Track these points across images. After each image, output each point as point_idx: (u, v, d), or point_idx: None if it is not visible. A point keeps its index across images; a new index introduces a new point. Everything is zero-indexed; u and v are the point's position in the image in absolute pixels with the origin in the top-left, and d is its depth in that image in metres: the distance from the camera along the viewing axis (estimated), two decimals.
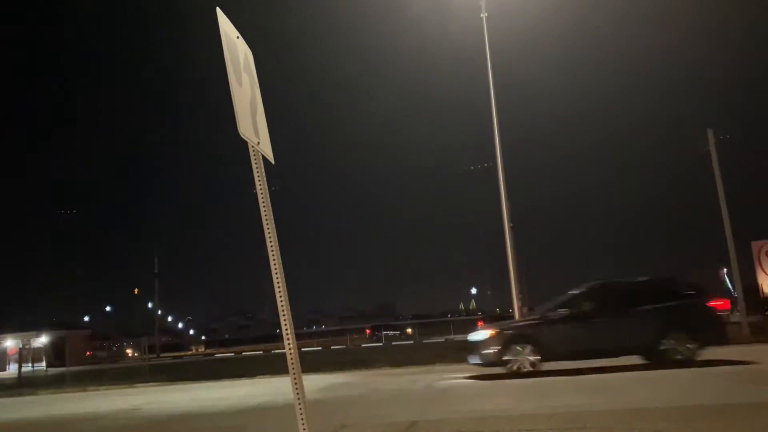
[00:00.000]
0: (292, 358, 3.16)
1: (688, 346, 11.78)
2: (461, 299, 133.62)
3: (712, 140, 23.36)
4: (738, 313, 22.77)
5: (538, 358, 11.93)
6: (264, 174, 3.30)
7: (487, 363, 12.21)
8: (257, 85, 3.47)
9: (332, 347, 47.08)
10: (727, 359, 12.19)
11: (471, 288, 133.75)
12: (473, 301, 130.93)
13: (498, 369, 12.14)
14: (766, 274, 30.73)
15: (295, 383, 3.17)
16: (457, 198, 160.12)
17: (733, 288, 25.53)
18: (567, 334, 12.00)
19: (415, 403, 9.18)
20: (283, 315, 3.16)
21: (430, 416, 7.56)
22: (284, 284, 3.17)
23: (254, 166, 3.28)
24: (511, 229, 18.67)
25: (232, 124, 3.06)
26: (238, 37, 3.34)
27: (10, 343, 48.22)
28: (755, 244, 31.19)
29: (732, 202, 22.98)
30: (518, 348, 11.98)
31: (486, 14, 18.91)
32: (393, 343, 46.17)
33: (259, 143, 3.31)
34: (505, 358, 12.02)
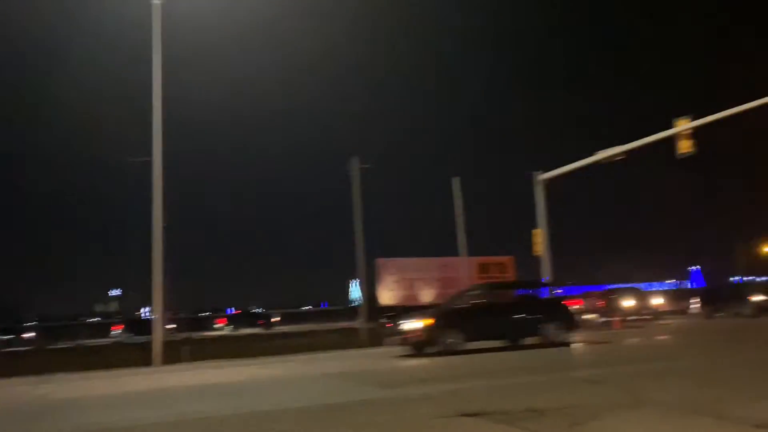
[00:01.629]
0: None
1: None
2: (99, 301, 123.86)
3: (356, 167, 26.41)
4: (360, 320, 26.05)
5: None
6: None
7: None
8: None
9: None
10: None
11: (112, 289, 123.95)
12: (117, 302, 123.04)
13: None
14: (384, 287, 35.96)
15: None
16: (117, 194, 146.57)
17: (363, 297, 29.06)
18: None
19: None
20: None
21: None
22: None
23: None
24: (165, 228, 17.94)
25: None
26: None
27: None
28: (379, 261, 36.26)
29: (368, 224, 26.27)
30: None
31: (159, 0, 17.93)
32: None
33: None
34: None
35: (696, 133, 21.44)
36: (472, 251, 38.52)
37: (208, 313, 61.39)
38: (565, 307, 18.18)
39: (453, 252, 26.41)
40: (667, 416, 6.16)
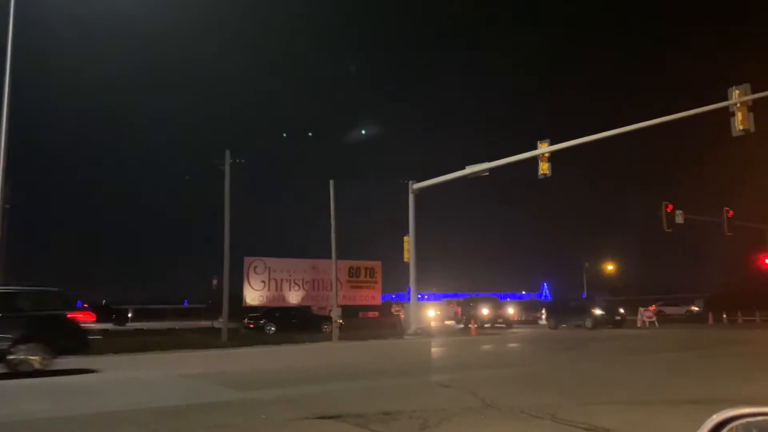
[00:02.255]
0: None
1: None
2: None
3: (228, 161, 25.57)
4: (221, 319, 25.21)
5: None
6: None
7: None
8: None
9: None
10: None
11: None
12: None
13: None
14: (251, 286, 35.18)
15: None
16: None
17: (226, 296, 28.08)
18: None
19: None
20: None
21: None
22: None
23: None
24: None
25: None
26: None
27: None
28: (247, 259, 35.42)
29: (235, 222, 25.53)
30: None
31: None
32: None
33: None
34: None
35: (552, 157, 23.13)
36: (351, 255, 38.87)
37: None
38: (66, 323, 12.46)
39: (328, 255, 26.41)
40: (510, 419, 6.58)
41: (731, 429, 1.44)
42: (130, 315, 48.37)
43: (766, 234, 37.91)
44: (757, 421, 1.41)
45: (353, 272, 39.23)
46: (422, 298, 43.62)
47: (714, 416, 1.47)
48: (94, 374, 12.05)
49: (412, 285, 29.05)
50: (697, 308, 44.39)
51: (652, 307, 34.87)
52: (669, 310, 47.17)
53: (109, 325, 40.21)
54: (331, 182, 25.85)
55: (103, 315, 44.75)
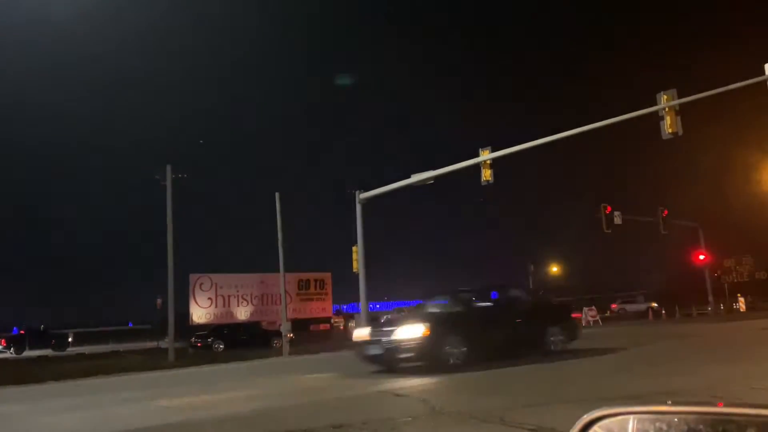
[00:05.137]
0: None
1: None
2: None
3: (169, 175, 24.95)
4: (167, 339, 24.48)
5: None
6: None
7: None
8: None
9: None
10: None
11: None
12: None
13: None
14: (197, 304, 34.37)
15: None
16: None
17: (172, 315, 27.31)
18: None
19: None
20: None
21: None
22: None
23: None
24: None
25: None
26: None
27: None
28: (192, 276, 34.61)
29: (181, 238, 24.89)
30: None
31: None
32: None
33: None
34: None
35: (495, 163, 23.57)
36: (302, 266, 38.50)
37: None
38: None
39: (275, 268, 26.04)
40: (460, 423, 6.63)
41: (595, 429, 1.52)
42: (70, 339, 46.19)
43: (699, 232, 39.72)
44: (619, 420, 1.49)
45: (303, 285, 38.88)
46: (374, 308, 43.60)
47: (584, 416, 1.54)
48: (29, 403, 11.48)
49: (362, 295, 28.94)
50: (656, 304, 45.53)
51: (614, 306, 35.75)
52: (630, 307, 48.08)
53: (48, 351, 38.31)
54: (277, 194, 25.60)
55: (41, 340, 42.39)
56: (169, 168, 24.96)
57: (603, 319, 34.56)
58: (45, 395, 13.05)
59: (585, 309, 34.95)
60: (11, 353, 38.95)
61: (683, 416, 1.42)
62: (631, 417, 1.49)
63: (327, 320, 39.67)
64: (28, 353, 38.09)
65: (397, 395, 9.19)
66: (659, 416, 1.45)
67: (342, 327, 32.92)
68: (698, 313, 39.67)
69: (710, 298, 39.83)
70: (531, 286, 58.58)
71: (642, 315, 42.69)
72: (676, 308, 40.26)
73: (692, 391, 7.79)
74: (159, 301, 29.26)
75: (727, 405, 1.41)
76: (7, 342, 41.11)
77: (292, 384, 12.65)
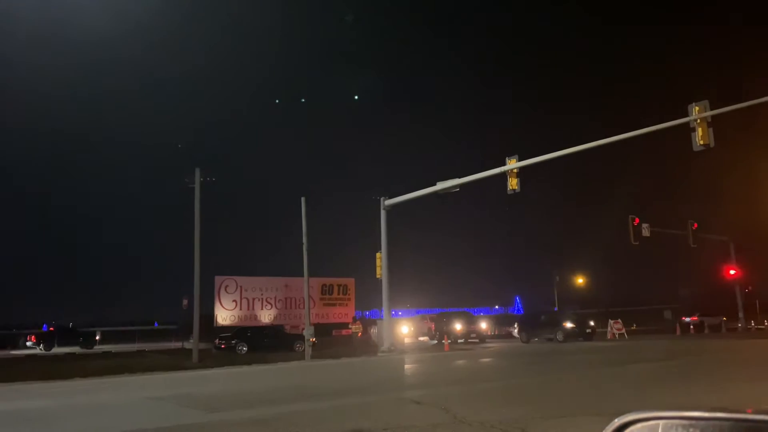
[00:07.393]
0: None
1: None
2: None
3: (198, 178, 25.31)
4: (192, 340, 24.77)
5: None
6: None
7: None
8: None
9: None
10: None
11: None
12: None
13: None
14: (222, 306, 34.71)
15: None
16: None
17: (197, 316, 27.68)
18: None
19: None
20: None
21: None
22: None
23: None
24: None
25: None
26: None
27: None
28: (218, 278, 34.97)
29: (206, 241, 25.24)
30: None
31: None
32: None
33: None
34: None
35: (522, 172, 23.46)
36: (325, 272, 38.70)
37: (13, 330, 54.52)
38: None
39: (300, 273, 26.23)
40: None
41: None
42: (97, 337, 47.08)
43: (729, 246, 38.90)
44: (650, 426, 1.51)
45: (326, 290, 39.03)
46: (396, 314, 43.55)
47: (615, 420, 1.57)
48: (56, 399, 11.74)
49: (384, 301, 28.94)
50: (725, 318, 43.36)
51: (694, 318, 34.68)
52: (709, 320, 45.52)
53: (76, 348, 39.08)
54: (303, 199, 25.79)
55: (69, 338, 43.35)
56: (197, 171, 25.34)
57: (627, 332, 33.98)
58: (74, 390, 13.31)
59: (611, 322, 34.44)
60: (41, 349, 39.92)
61: (713, 422, 1.44)
62: (662, 422, 1.51)
63: (349, 326, 39.76)
64: (56, 350, 38.98)
65: (418, 402, 9.19)
66: (689, 422, 1.47)
67: (360, 334, 32.87)
68: (727, 329, 38.79)
69: (740, 314, 38.84)
70: (555, 297, 58.15)
71: (671, 329, 41.71)
72: (705, 323, 39.24)
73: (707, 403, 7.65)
74: (185, 301, 29.62)
75: (756, 411, 1.42)
76: (36, 339, 42.27)
77: (315, 388, 12.72)
